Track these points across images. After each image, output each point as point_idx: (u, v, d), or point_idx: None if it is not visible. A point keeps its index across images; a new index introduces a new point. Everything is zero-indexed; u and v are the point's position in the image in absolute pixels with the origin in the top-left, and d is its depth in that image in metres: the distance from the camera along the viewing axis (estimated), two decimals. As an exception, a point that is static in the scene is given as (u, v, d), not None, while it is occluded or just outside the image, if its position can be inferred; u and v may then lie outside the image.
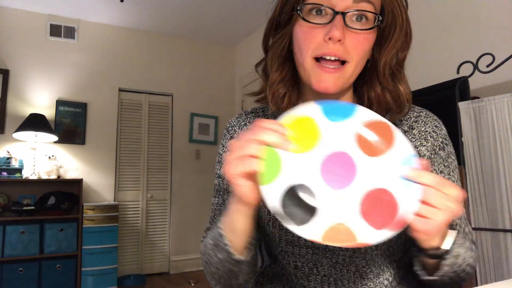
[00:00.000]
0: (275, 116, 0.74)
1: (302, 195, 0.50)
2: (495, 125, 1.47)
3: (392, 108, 0.66)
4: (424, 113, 0.71)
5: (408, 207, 0.49)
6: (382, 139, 0.52)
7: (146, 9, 3.75)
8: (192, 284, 3.62)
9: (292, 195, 0.50)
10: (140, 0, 3.56)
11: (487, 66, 1.64)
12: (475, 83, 1.74)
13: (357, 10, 0.59)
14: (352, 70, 0.61)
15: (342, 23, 0.58)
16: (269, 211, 0.69)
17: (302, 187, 0.50)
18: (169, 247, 4.14)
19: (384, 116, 0.68)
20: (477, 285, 0.64)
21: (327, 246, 0.65)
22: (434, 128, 0.69)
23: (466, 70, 1.67)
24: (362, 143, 0.52)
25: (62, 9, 3.70)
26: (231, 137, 0.77)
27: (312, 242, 0.66)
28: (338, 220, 0.49)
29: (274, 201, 0.49)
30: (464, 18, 2.13)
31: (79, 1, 3.55)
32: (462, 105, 1.59)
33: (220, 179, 0.75)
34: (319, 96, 0.67)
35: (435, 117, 0.72)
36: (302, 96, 0.72)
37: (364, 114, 0.53)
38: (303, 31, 0.61)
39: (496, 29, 1.96)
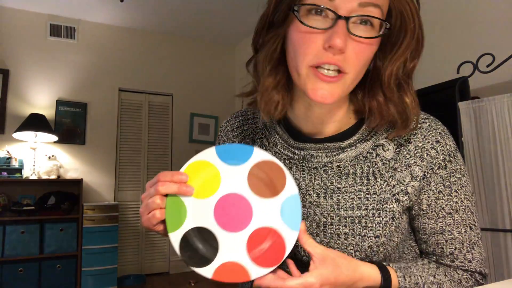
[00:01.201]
0: (266, 127, 0.71)
1: (201, 238, 0.55)
2: (495, 125, 1.47)
3: (397, 121, 0.59)
4: (427, 124, 0.63)
5: (292, 244, 0.53)
6: (273, 180, 0.56)
7: (146, 9, 3.75)
8: (192, 284, 3.62)
9: (193, 238, 0.55)
10: (140, 0, 3.56)
11: (487, 66, 1.64)
12: (475, 83, 1.74)
13: (363, 16, 0.52)
14: (351, 80, 0.55)
15: (345, 30, 0.51)
16: None
17: (202, 230, 0.55)
18: (169, 247, 4.14)
19: (388, 131, 0.64)
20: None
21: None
22: (435, 144, 0.61)
23: (466, 70, 1.67)
24: (254, 185, 0.56)
25: (62, 9, 3.70)
26: (223, 142, 0.79)
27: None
28: (230, 259, 0.53)
29: (177, 247, 0.54)
30: (464, 18, 2.13)
31: (79, 1, 3.55)
32: (462, 105, 1.59)
33: None
34: (312, 103, 0.61)
35: (440, 130, 0.63)
36: (294, 103, 0.65)
37: (258, 156, 0.57)
38: (300, 35, 0.54)
39: (496, 29, 1.95)
